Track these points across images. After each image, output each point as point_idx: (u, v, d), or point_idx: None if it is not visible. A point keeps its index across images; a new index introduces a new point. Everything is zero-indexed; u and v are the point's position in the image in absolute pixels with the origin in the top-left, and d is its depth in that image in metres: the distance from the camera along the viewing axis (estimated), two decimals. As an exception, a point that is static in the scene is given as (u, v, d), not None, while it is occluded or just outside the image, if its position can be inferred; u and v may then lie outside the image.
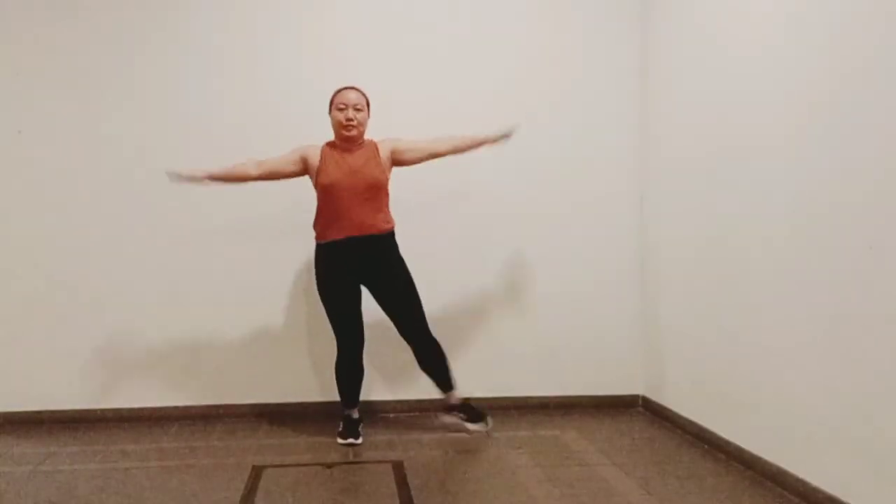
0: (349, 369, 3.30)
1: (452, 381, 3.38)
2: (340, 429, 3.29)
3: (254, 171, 3.19)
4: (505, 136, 3.25)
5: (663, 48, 3.62)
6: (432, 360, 3.34)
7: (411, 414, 3.69)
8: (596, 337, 3.86)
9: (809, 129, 2.50)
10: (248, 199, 3.60)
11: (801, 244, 2.54)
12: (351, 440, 3.22)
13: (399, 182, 3.33)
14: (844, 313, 2.33)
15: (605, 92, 3.86)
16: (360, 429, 3.31)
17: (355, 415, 3.36)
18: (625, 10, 3.85)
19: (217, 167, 3.16)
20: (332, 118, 3.23)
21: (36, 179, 3.63)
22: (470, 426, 3.33)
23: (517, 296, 3.84)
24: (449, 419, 3.40)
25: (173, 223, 3.67)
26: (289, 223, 3.69)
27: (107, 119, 3.65)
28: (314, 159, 3.21)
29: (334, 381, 3.35)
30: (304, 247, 3.54)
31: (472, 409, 3.38)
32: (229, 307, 3.69)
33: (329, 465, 2.97)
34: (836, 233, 2.36)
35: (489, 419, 3.36)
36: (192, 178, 3.11)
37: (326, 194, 3.17)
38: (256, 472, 2.87)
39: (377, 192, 3.19)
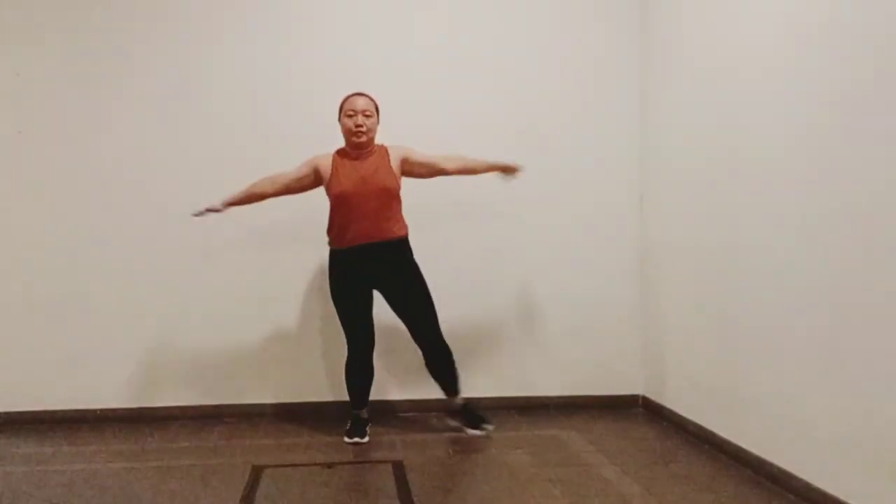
0: (359, 370, 3.32)
1: (458, 387, 3.38)
2: (348, 427, 3.31)
3: (270, 189, 3.21)
4: (514, 171, 3.29)
5: (663, 50, 3.62)
6: (442, 364, 3.34)
7: (412, 414, 3.69)
8: (596, 337, 3.86)
9: (809, 130, 2.50)
10: (255, 203, 3.59)
11: (802, 244, 2.54)
12: (356, 439, 3.23)
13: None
14: (844, 313, 2.33)
15: (606, 94, 3.86)
16: (367, 428, 3.31)
17: (364, 415, 3.38)
18: (624, 12, 3.85)
19: (234, 192, 3.20)
20: (342, 125, 3.22)
21: (36, 179, 3.63)
22: (469, 431, 3.32)
23: (517, 296, 3.84)
24: (452, 423, 3.41)
25: (175, 223, 3.66)
26: (289, 226, 3.69)
27: (107, 119, 3.65)
28: (326, 169, 3.21)
29: (335, 381, 3.36)
30: (310, 250, 3.55)
31: (473, 414, 3.37)
32: (230, 308, 3.69)
33: (329, 465, 2.97)
34: (837, 233, 2.36)
35: (489, 424, 3.34)
36: (213, 210, 3.17)
37: (339, 203, 3.18)
38: (256, 472, 2.87)
39: (389, 199, 3.19)
